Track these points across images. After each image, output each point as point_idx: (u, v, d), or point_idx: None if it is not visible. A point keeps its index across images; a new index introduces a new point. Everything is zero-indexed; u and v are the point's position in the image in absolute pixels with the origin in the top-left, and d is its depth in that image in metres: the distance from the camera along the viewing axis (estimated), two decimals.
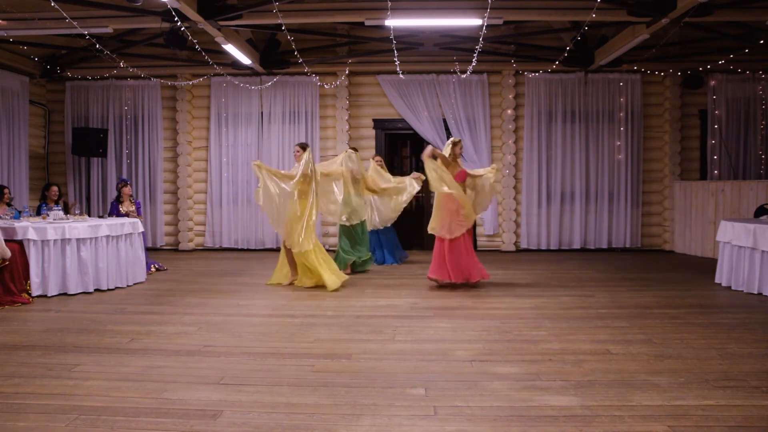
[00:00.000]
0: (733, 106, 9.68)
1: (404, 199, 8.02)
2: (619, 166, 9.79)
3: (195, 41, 8.00)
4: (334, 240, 9.94)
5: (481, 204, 6.75)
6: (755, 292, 5.87)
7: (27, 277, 5.76)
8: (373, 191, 7.96)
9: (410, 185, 8.02)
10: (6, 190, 7.10)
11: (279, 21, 7.00)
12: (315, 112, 9.89)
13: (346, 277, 6.64)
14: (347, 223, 7.44)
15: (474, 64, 8.69)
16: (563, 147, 9.81)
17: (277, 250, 9.26)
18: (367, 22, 7.48)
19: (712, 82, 9.66)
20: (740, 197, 8.56)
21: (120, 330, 4.56)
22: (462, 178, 6.37)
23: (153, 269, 7.63)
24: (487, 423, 2.78)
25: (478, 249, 9.93)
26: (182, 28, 7.20)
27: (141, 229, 7.01)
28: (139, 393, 3.17)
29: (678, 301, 5.62)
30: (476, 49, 8.07)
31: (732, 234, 6.22)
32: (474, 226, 9.72)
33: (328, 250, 9.75)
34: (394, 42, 8.04)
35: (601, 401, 3.02)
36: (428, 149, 6.20)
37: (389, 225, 8.22)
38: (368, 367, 3.64)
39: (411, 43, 8.96)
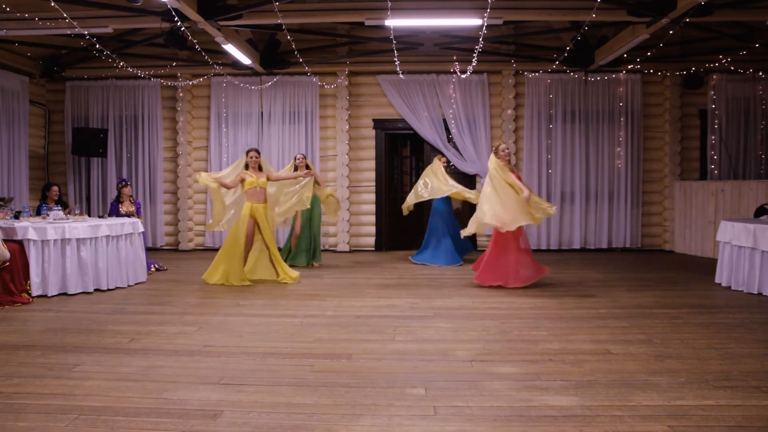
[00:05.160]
0: (733, 106, 9.68)
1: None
2: (619, 166, 9.79)
3: (195, 41, 8.01)
4: (333, 240, 9.97)
5: None
6: (755, 292, 5.87)
7: (27, 277, 5.76)
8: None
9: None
10: None
11: (279, 21, 7.01)
12: (315, 112, 9.89)
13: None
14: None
15: (474, 64, 8.69)
16: (563, 147, 9.81)
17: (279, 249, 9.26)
18: (367, 22, 7.48)
19: (712, 82, 9.66)
20: (740, 197, 8.56)
21: (120, 330, 4.56)
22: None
23: (153, 269, 7.63)
24: (487, 423, 2.78)
25: (478, 249, 9.93)
26: (182, 28, 7.20)
27: (141, 228, 7.01)
28: (139, 393, 3.17)
29: (678, 301, 5.62)
30: (476, 49, 8.07)
31: (732, 234, 6.22)
32: None
33: (326, 251, 9.82)
34: (394, 42, 8.04)
35: (601, 401, 3.02)
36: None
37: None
38: (368, 367, 3.63)
39: (411, 43, 8.96)
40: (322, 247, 9.77)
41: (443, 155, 9.07)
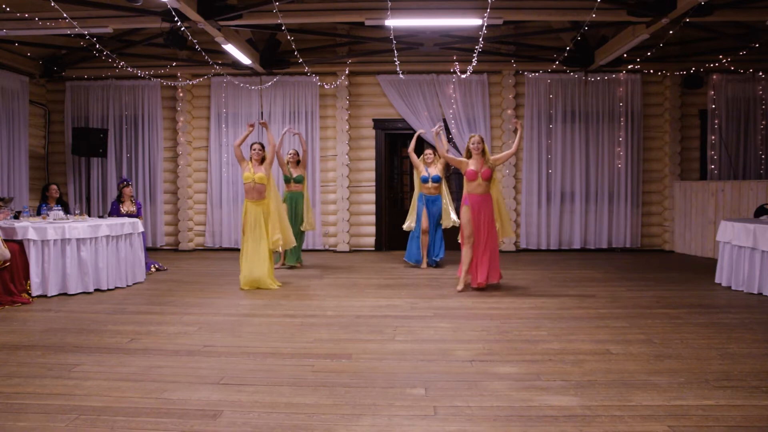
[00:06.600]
0: (733, 106, 9.68)
1: None
2: (619, 166, 9.79)
3: (195, 41, 8.01)
4: (333, 240, 9.97)
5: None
6: (755, 292, 5.87)
7: (27, 277, 5.76)
8: None
9: None
10: None
11: (279, 21, 7.01)
12: (315, 112, 9.89)
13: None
14: None
15: (474, 64, 8.68)
16: (563, 147, 9.81)
17: None
18: (367, 22, 7.48)
19: (712, 82, 9.66)
20: (740, 197, 8.57)
21: (120, 330, 4.56)
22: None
23: (153, 269, 7.63)
24: (487, 423, 2.78)
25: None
26: (182, 28, 7.20)
27: (141, 229, 7.01)
28: (139, 393, 3.17)
29: (678, 301, 5.62)
30: (476, 49, 8.06)
31: (732, 234, 6.22)
32: None
33: (326, 251, 9.83)
34: (394, 42, 8.04)
35: (601, 401, 3.02)
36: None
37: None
38: (368, 367, 3.64)
39: (411, 43, 8.96)
40: (321, 247, 9.82)
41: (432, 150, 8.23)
